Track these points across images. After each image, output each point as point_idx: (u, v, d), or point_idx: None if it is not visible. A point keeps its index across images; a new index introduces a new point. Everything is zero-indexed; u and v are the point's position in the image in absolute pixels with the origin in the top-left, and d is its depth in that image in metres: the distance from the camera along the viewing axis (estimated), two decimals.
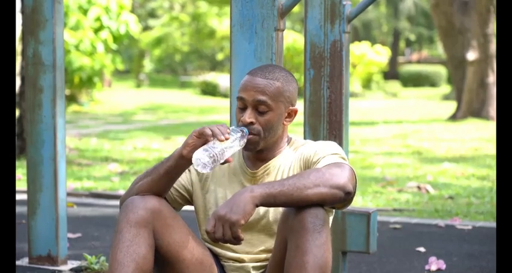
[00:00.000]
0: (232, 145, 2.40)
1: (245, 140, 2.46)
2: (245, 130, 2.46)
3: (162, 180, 2.49)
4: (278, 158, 2.56)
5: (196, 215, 2.64)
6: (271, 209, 2.52)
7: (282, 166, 2.55)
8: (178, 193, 2.60)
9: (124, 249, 2.37)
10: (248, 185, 2.53)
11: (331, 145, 2.51)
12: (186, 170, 2.61)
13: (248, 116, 2.48)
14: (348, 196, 2.35)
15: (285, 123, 2.54)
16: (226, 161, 2.40)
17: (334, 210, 2.53)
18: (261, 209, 2.52)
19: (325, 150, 2.47)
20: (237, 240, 2.26)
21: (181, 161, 2.45)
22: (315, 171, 2.33)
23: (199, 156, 2.34)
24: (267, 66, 2.55)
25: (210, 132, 2.38)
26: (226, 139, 2.38)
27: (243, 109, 2.51)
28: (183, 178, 2.60)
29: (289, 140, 2.61)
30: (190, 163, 2.43)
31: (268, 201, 2.28)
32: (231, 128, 2.46)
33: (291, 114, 2.56)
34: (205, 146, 2.36)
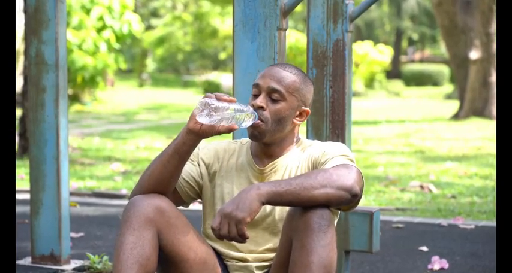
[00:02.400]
0: (237, 113, 2.38)
1: (251, 120, 2.44)
2: (255, 113, 2.46)
3: (172, 160, 2.46)
4: (286, 157, 2.57)
5: (203, 208, 2.64)
6: (277, 207, 2.52)
7: (290, 165, 2.55)
8: (189, 185, 2.60)
9: (128, 252, 2.37)
10: (255, 181, 2.54)
11: (340, 147, 2.51)
12: (196, 164, 2.61)
13: (260, 100, 2.49)
14: (355, 198, 2.35)
15: (294, 121, 2.55)
16: (231, 129, 2.39)
17: (339, 211, 2.53)
18: (267, 207, 2.52)
19: (333, 151, 2.48)
20: (242, 238, 2.26)
21: (189, 136, 2.43)
22: (322, 172, 2.33)
23: (201, 102, 2.34)
24: (289, 64, 2.59)
25: (213, 95, 2.38)
26: (230, 100, 2.37)
27: (256, 96, 2.52)
28: (193, 171, 2.60)
29: (297, 140, 2.62)
30: (197, 136, 2.42)
31: (275, 199, 2.28)
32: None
33: (303, 114, 2.56)
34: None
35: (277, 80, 2.50)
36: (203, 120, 2.35)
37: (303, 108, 2.55)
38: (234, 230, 2.25)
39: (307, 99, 2.57)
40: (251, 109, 2.46)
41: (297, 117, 2.55)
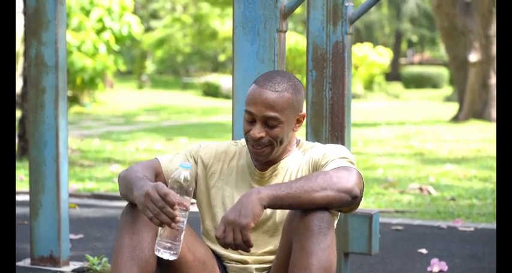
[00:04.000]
0: (184, 217, 2.29)
1: (187, 177, 2.31)
2: (185, 166, 2.30)
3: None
4: (286, 160, 2.56)
5: (199, 209, 2.63)
6: (278, 210, 2.52)
7: (290, 168, 2.54)
8: None
9: (126, 254, 2.37)
10: (256, 185, 2.53)
11: (340, 149, 2.50)
12: (192, 163, 2.59)
13: (258, 131, 2.44)
14: (355, 200, 2.34)
15: (294, 129, 2.53)
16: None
17: (339, 213, 2.53)
18: (268, 210, 2.51)
19: (333, 153, 2.46)
20: (247, 244, 2.25)
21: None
22: (322, 174, 2.33)
23: (162, 255, 2.29)
24: (275, 76, 2.48)
25: (158, 223, 2.24)
26: (177, 222, 2.24)
27: (251, 122, 2.47)
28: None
29: (297, 142, 2.61)
30: None
31: (276, 203, 2.28)
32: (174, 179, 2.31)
33: (300, 120, 2.53)
34: (159, 246, 2.29)
35: (270, 107, 2.42)
36: (174, 257, 2.30)
37: (300, 114, 2.52)
38: (239, 237, 2.24)
39: (301, 105, 2.52)
40: (186, 169, 2.32)
41: (296, 124, 2.53)
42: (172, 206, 2.22)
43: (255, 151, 2.48)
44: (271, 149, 2.48)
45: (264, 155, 2.48)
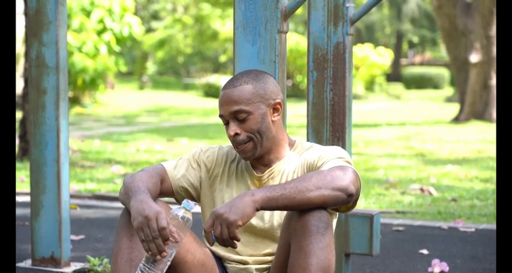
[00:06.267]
0: (173, 250, 2.30)
1: (188, 216, 2.32)
2: (187, 206, 2.31)
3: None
4: (282, 162, 2.56)
5: (203, 212, 2.63)
6: (276, 215, 2.52)
7: (287, 170, 2.54)
8: (184, 188, 2.60)
9: (125, 256, 2.37)
10: (254, 188, 2.54)
11: (336, 150, 2.50)
12: (196, 167, 2.61)
13: (231, 129, 2.48)
14: (351, 198, 2.34)
15: (273, 119, 2.53)
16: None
17: (337, 213, 2.53)
18: (266, 215, 2.52)
19: (329, 154, 2.46)
20: (234, 240, 2.25)
21: None
22: (316, 174, 2.32)
23: None
24: (235, 76, 2.55)
25: (146, 248, 2.25)
26: (163, 256, 2.26)
27: (227, 124, 2.52)
28: (192, 176, 2.60)
29: (292, 144, 2.61)
30: None
31: (270, 205, 2.28)
32: (174, 213, 2.31)
33: (277, 108, 2.54)
34: (140, 271, 2.27)
35: (233, 102, 2.47)
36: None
37: (273, 102, 2.52)
38: (225, 232, 2.24)
39: (271, 92, 2.52)
40: (184, 208, 2.31)
41: (273, 114, 2.53)
42: (165, 240, 2.24)
43: (239, 151, 2.50)
44: (253, 144, 2.49)
45: (249, 152, 2.49)
